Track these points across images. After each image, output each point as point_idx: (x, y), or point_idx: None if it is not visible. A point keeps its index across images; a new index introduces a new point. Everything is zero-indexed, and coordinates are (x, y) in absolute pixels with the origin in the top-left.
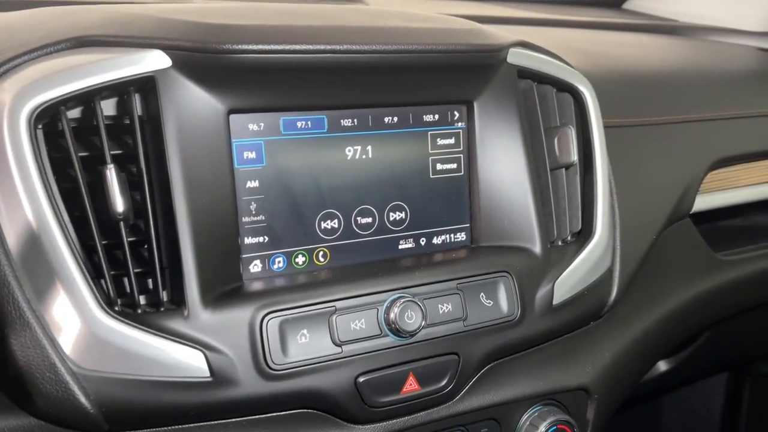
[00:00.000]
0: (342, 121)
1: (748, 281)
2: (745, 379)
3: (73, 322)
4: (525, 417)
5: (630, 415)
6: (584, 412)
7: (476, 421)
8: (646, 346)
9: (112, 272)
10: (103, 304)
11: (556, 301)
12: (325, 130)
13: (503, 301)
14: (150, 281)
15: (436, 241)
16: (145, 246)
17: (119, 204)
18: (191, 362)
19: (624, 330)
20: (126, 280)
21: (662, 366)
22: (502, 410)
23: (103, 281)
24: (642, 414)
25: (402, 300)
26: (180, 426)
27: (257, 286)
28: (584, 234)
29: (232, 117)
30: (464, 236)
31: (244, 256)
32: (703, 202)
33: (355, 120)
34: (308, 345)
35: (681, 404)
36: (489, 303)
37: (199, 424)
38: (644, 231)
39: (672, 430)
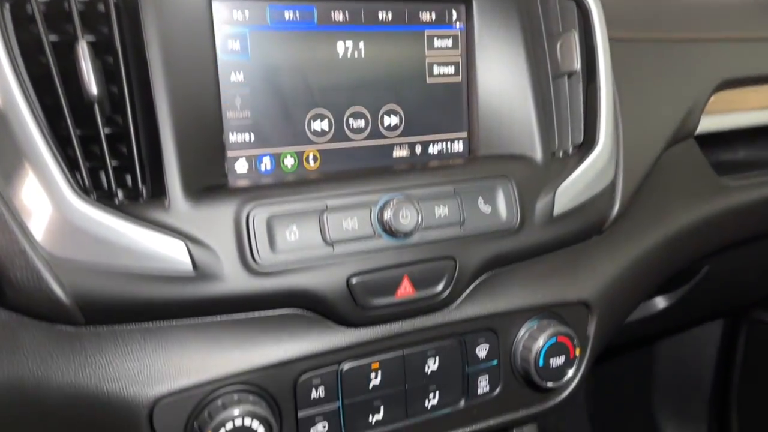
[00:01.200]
0: (332, 13)
1: (751, 208)
2: (741, 326)
3: (44, 206)
4: (524, 329)
5: (623, 360)
6: (585, 328)
7: (473, 330)
8: (648, 267)
9: (88, 165)
10: (77, 189)
11: (557, 211)
12: (315, 23)
13: (502, 207)
14: (129, 178)
15: (432, 150)
16: (124, 141)
17: (92, 85)
18: (172, 254)
19: (625, 248)
20: (103, 174)
21: (660, 303)
22: (500, 321)
23: (78, 174)
24: (635, 360)
25: (396, 199)
26: (161, 322)
27: (243, 182)
28: (587, 144)
29: (215, 3)
30: (461, 146)
31: (229, 153)
32: (708, 124)
33: (347, 13)
34: (298, 243)
35: (674, 351)
36: (487, 209)
37: (181, 321)
38: (648, 147)
39: (665, 376)
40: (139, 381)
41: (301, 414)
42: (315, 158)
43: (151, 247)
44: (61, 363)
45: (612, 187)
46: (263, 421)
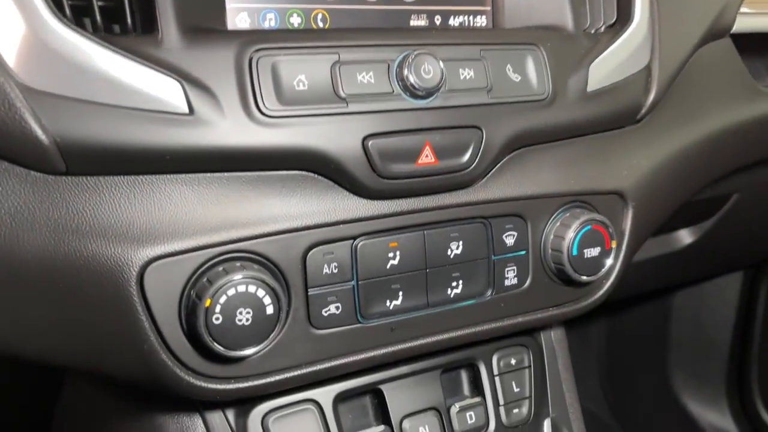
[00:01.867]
0: None
1: None
2: (763, 278)
3: (16, 25)
4: (555, 216)
5: (637, 317)
6: (620, 221)
7: (500, 215)
8: (685, 165)
9: (70, 1)
10: (55, 10)
11: (590, 87)
12: None
13: (532, 76)
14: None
15: (453, 22)
16: None
17: None
18: (165, 92)
19: (661, 142)
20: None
21: (685, 238)
22: (529, 207)
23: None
24: (649, 317)
25: (418, 53)
26: (154, 175)
27: (245, 26)
28: (621, 22)
29: None
30: (485, 20)
31: (229, 5)
32: (745, 24)
33: None
34: (307, 94)
35: (691, 308)
36: (516, 77)
37: (177, 174)
38: (683, 37)
39: (680, 335)
40: (128, 239)
41: (311, 291)
42: (324, 19)
43: (141, 82)
44: (38, 215)
45: (647, 71)
46: (270, 289)
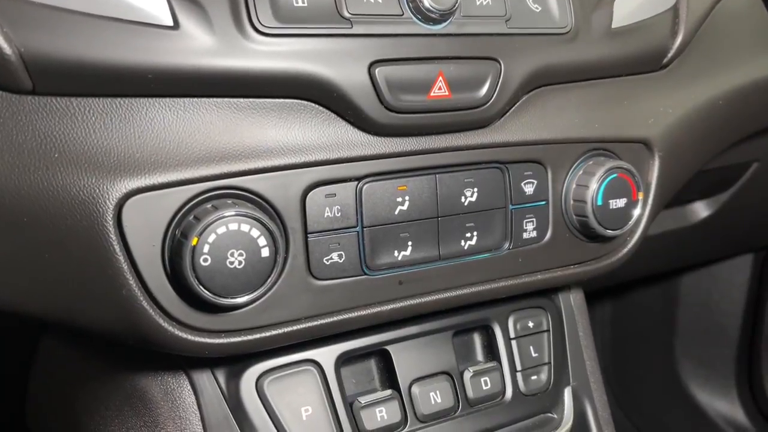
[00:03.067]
0: None
1: None
2: None
3: None
4: (577, 164)
5: (643, 302)
6: (646, 172)
7: (518, 160)
8: (711, 119)
9: None
10: None
11: (615, 24)
12: None
13: (554, 7)
14: None
15: None
16: None
17: None
18: (147, 1)
19: (688, 91)
20: None
21: (701, 211)
22: (550, 152)
23: None
24: (656, 302)
25: None
26: (134, 98)
27: None
28: None
29: None
30: None
31: None
32: None
33: None
34: (307, 11)
35: (700, 293)
36: (537, 7)
37: (160, 98)
38: None
39: (688, 320)
40: (103, 169)
41: (311, 237)
42: None
43: None
44: (0, 139)
45: (674, 11)
46: (266, 230)
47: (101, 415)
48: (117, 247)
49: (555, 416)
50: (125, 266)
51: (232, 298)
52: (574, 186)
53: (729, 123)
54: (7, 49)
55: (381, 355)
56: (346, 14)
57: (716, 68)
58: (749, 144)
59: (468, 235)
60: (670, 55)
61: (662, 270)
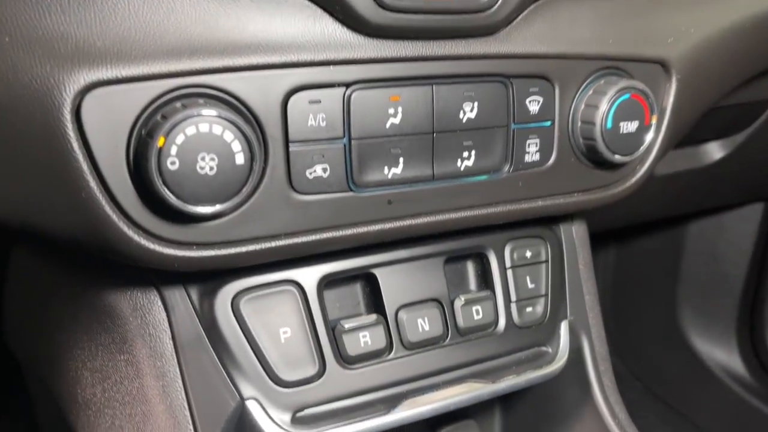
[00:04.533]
0: None
1: None
2: None
3: None
4: (587, 82)
5: (648, 246)
6: (662, 96)
7: (524, 74)
8: (734, 44)
9: None
10: None
11: None
12: None
13: None
14: None
15: None
16: None
17: None
18: None
19: (712, 11)
20: None
21: (715, 152)
22: (558, 67)
23: None
24: (661, 247)
25: None
26: None
27: None
28: None
29: None
30: None
31: None
32: None
33: None
34: None
35: (706, 241)
36: None
37: None
38: None
39: (692, 268)
40: (60, 55)
41: (293, 147)
42: None
43: None
44: None
45: None
46: (241, 134)
47: (71, 331)
48: (75, 145)
49: (549, 350)
50: (85, 166)
51: (202, 206)
52: (582, 106)
53: (754, 51)
54: None
55: (367, 279)
56: None
57: None
58: None
59: (465, 154)
60: None
61: (669, 214)
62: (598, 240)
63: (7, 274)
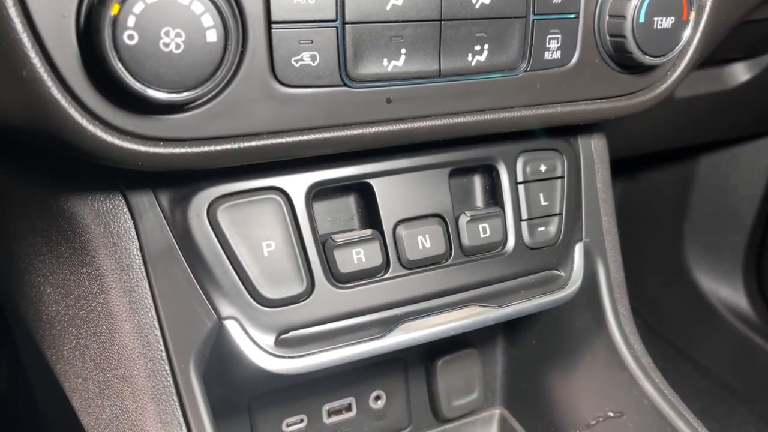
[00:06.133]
0: None
1: None
2: None
3: None
4: None
5: (662, 174)
6: None
7: None
8: None
9: None
10: None
11: None
12: None
13: None
14: None
15: None
16: None
17: None
18: None
19: None
20: None
21: (742, 74)
22: None
23: None
24: (675, 173)
25: None
26: None
27: None
28: None
29: None
30: None
31: None
32: None
33: None
34: None
35: (717, 176)
36: None
37: None
38: None
39: (701, 203)
40: None
41: (276, 28)
42: None
43: None
44: None
45: None
46: (212, 4)
47: (31, 241)
48: (13, 11)
49: (562, 274)
50: (25, 38)
51: (167, 92)
52: None
53: None
54: None
55: (362, 190)
56: None
57: None
58: None
59: (477, 47)
60: None
61: (684, 143)
62: None
63: None
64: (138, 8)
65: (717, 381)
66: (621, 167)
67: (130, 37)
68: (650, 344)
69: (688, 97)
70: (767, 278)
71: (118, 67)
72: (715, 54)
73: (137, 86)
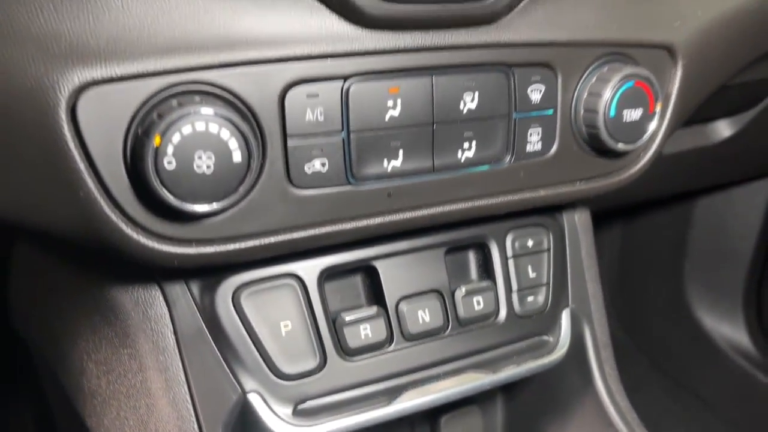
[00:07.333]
0: None
1: None
2: None
3: None
4: (591, 69)
5: (656, 220)
6: (667, 81)
7: (526, 63)
8: (743, 25)
9: None
10: None
11: None
12: None
13: None
14: None
15: None
16: None
17: None
18: None
19: None
20: None
21: (724, 130)
22: (561, 55)
23: None
24: (669, 221)
25: None
26: None
27: None
28: None
29: None
30: None
31: None
32: None
33: None
34: None
35: (713, 216)
36: None
37: None
38: None
39: (700, 243)
40: (54, 53)
41: (291, 142)
42: None
43: None
44: None
45: None
46: (238, 131)
47: (76, 323)
48: (72, 144)
49: (550, 339)
50: (82, 166)
51: (200, 204)
52: (585, 94)
53: (762, 31)
54: None
55: (368, 271)
56: None
57: None
58: None
59: (466, 145)
60: None
61: (677, 191)
62: (604, 213)
63: (12, 262)
64: (176, 139)
65: (722, 417)
66: (620, 209)
67: (169, 162)
68: (657, 382)
69: (676, 153)
70: (767, 314)
71: (160, 188)
72: (697, 114)
73: (176, 202)
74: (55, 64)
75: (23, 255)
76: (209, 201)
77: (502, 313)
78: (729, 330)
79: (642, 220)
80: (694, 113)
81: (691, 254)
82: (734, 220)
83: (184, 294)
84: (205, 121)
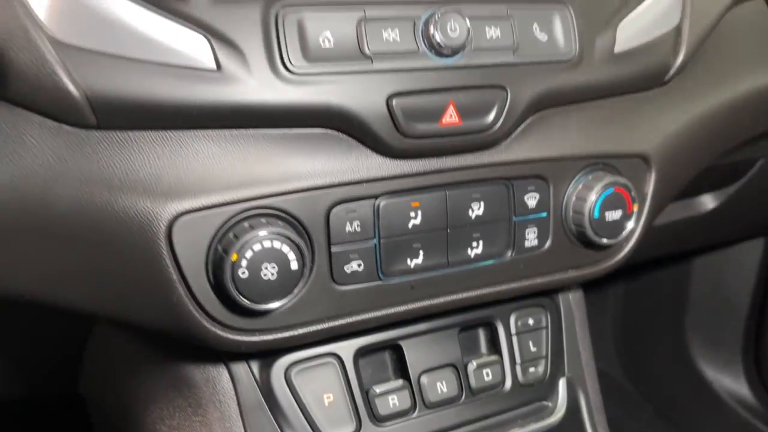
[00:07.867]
0: None
1: None
2: None
3: None
4: (577, 178)
5: (656, 278)
6: (643, 184)
7: (522, 176)
8: (711, 128)
9: None
10: None
11: (618, 48)
12: None
13: (559, 36)
14: None
15: None
16: None
17: None
18: (193, 48)
19: (688, 104)
20: None
21: (708, 203)
22: (552, 168)
23: None
24: (668, 279)
25: (444, 11)
26: (182, 131)
27: None
28: None
29: None
30: None
31: None
32: None
33: None
34: (333, 52)
35: (711, 272)
36: (543, 36)
37: (204, 130)
38: None
39: (699, 298)
40: (156, 194)
41: (335, 249)
42: None
43: (169, 38)
44: (70, 167)
45: (677, 31)
46: (295, 246)
47: (151, 391)
48: (168, 261)
49: (549, 404)
50: (175, 277)
51: (265, 304)
52: (573, 199)
53: (728, 132)
54: (76, 93)
55: (394, 348)
56: (367, 52)
57: (717, 80)
58: (752, 145)
59: (474, 244)
60: (671, 72)
61: (672, 254)
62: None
63: (90, 335)
64: (248, 254)
65: None
66: (622, 269)
67: (243, 273)
68: (660, 430)
69: (666, 224)
70: (766, 367)
71: (235, 293)
72: (683, 191)
73: (248, 304)
74: (157, 199)
75: (102, 333)
76: (273, 301)
77: (508, 383)
78: (729, 381)
79: (644, 278)
80: (681, 191)
81: (691, 309)
82: (731, 276)
83: (246, 371)
84: (270, 240)
